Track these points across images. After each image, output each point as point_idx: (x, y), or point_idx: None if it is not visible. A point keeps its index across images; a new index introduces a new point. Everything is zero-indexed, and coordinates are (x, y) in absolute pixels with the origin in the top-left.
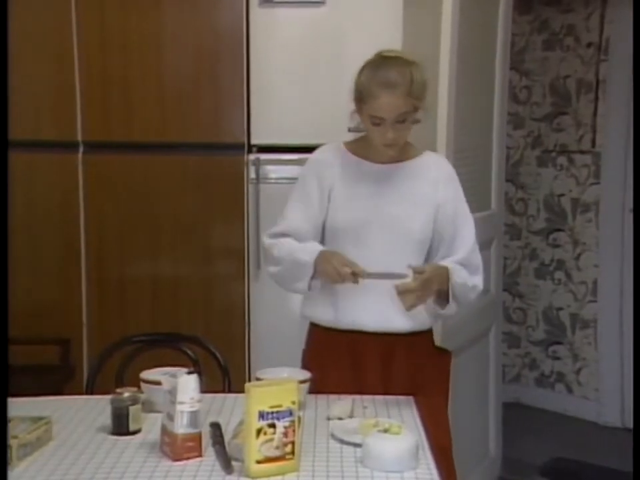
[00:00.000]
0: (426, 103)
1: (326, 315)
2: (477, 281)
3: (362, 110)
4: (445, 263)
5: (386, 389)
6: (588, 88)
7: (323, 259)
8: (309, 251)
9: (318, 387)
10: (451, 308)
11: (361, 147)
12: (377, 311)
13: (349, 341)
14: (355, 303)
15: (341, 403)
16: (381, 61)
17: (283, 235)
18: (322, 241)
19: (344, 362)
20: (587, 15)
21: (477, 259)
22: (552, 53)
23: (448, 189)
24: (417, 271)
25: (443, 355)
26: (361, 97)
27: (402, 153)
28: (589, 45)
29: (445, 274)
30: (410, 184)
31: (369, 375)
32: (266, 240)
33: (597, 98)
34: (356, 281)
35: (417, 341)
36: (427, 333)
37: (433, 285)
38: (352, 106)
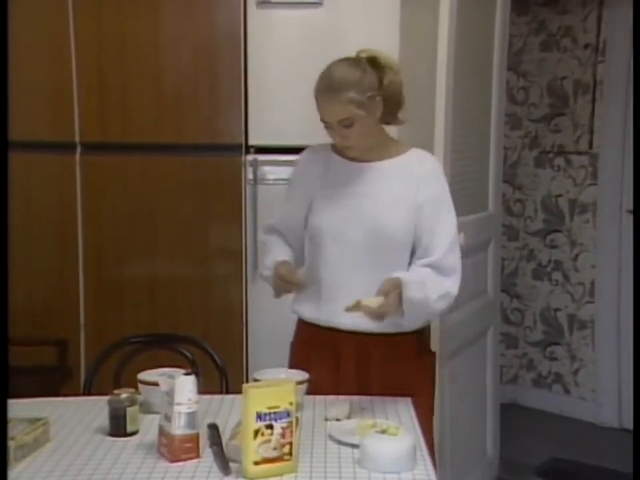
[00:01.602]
0: (397, 104)
1: (309, 311)
2: (449, 285)
3: None
4: (400, 274)
5: (361, 388)
6: (585, 89)
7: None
8: (268, 266)
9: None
10: (409, 318)
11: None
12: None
13: (329, 338)
14: (335, 301)
15: (339, 404)
16: (330, 65)
17: (273, 229)
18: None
19: (325, 357)
20: (584, 16)
21: (453, 261)
22: (549, 54)
23: (428, 189)
24: (382, 293)
25: (425, 356)
26: (315, 100)
27: (384, 150)
28: (586, 46)
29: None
30: (387, 184)
31: (344, 373)
32: (262, 234)
33: (594, 99)
34: (289, 291)
35: (396, 343)
36: (408, 336)
37: (393, 307)
38: None
